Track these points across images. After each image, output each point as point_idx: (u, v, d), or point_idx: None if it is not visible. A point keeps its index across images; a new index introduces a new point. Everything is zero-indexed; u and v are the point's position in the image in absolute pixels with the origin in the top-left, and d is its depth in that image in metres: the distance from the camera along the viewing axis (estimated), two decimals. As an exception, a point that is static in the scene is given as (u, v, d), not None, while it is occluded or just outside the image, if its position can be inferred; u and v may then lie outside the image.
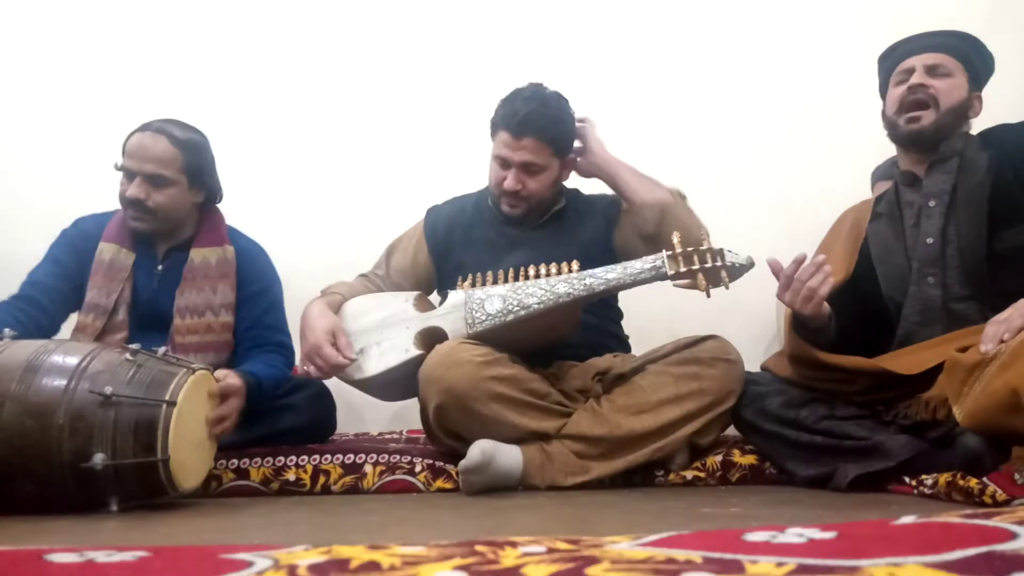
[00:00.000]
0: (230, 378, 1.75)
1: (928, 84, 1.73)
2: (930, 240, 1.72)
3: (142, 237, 1.98)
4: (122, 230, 1.97)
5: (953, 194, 1.71)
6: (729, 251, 1.78)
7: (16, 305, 1.91)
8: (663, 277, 1.78)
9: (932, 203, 1.74)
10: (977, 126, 1.79)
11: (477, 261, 1.97)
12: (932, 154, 1.75)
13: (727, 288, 1.77)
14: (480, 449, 1.66)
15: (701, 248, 1.76)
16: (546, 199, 2.04)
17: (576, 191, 2.17)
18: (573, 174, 2.11)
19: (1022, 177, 1.65)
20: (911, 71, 1.76)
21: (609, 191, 2.10)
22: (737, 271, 1.78)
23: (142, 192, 1.90)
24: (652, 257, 1.80)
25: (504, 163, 1.98)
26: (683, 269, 1.75)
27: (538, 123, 1.93)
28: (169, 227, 1.99)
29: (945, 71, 1.74)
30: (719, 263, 1.75)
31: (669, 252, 1.77)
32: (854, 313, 1.77)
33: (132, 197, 1.90)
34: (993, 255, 1.64)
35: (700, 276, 1.74)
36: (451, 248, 2.09)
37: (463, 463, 1.67)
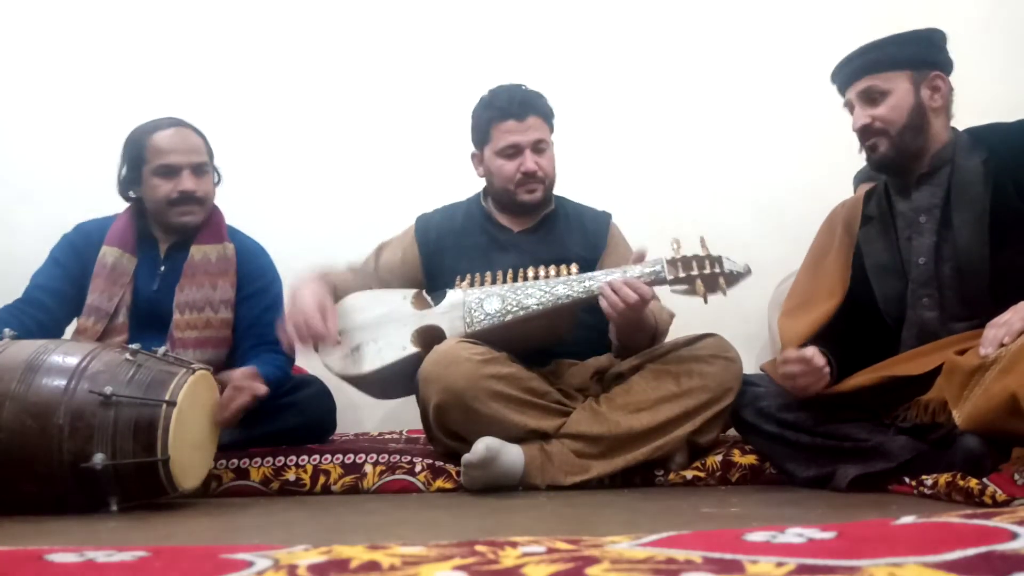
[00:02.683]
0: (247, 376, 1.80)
1: (871, 119, 1.65)
2: (922, 260, 1.64)
3: (145, 238, 1.99)
4: (125, 234, 1.98)
5: (945, 207, 1.61)
6: (727, 258, 1.78)
7: (20, 308, 1.92)
8: (662, 282, 1.78)
9: (923, 219, 1.65)
10: (963, 120, 1.69)
11: (470, 266, 1.97)
12: (915, 166, 1.67)
13: (725, 295, 1.78)
14: (485, 445, 1.67)
15: (700, 255, 1.77)
16: (554, 182, 2.09)
17: (563, 198, 2.18)
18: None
19: (1022, 188, 1.54)
20: (852, 106, 1.70)
21: (595, 206, 2.17)
22: (735, 278, 1.78)
23: (193, 183, 1.95)
24: (651, 262, 1.80)
25: (515, 150, 2.00)
26: (682, 275, 1.76)
27: (535, 102, 2.02)
28: (205, 216, 2.02)
29: (879, 91, 1.65)
30: (717, 270, 1.76)
31: (668, 258, 1.77)
32: (855, 325, 1.74)
33: (189, 190, 1.94)
34: (994, 274, 1.54)
35: (698, 282, 1.75)
36: (443, 253, 2.09)
37: (467, 457, 1.67)
